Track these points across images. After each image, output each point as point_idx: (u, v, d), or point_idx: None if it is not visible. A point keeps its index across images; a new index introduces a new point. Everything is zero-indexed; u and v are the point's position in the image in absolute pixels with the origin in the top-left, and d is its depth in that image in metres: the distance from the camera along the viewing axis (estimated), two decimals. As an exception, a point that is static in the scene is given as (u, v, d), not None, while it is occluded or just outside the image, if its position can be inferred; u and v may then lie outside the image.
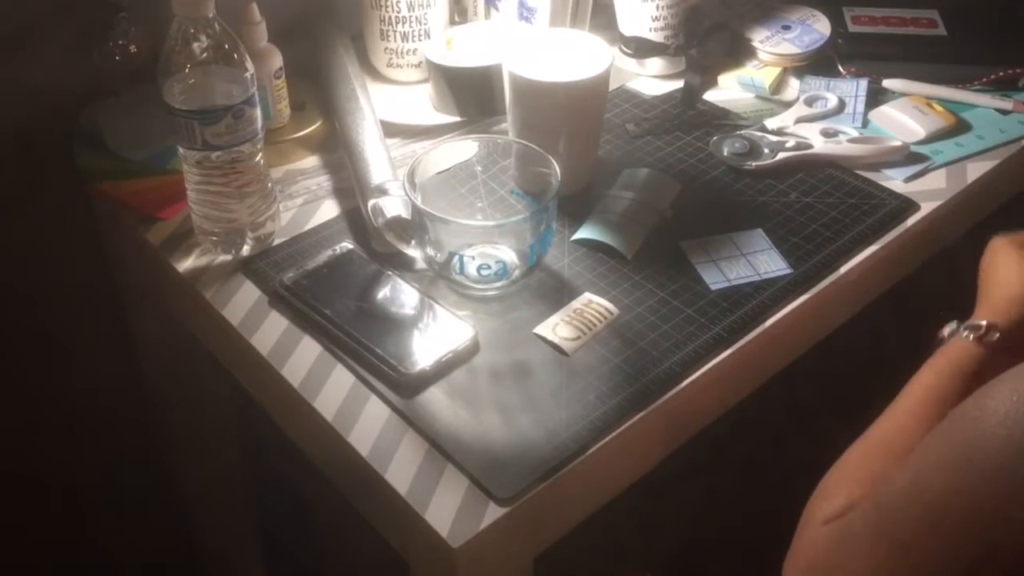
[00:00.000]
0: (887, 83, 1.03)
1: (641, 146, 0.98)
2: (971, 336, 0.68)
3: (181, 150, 0.79)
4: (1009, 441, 0.48)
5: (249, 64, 0.77)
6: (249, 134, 0.78)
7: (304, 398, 0.72)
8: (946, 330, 0.71)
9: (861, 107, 1.00)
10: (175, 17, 0.75)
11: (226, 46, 0.76)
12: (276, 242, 0.86)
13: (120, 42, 0.92)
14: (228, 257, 0.84)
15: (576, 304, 0.79)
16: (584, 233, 0.86)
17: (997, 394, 0.50)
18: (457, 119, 0.99)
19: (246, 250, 0.84)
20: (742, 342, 0.77)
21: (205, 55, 0.76)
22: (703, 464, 1.03)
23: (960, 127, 0.98)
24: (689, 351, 0.76)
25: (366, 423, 0.70)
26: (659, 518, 1.12)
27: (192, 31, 0.75)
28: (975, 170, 0.94)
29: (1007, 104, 1.00)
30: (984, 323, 0.68)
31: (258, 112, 0.79)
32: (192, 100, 0.76)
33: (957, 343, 0.69)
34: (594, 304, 0.79)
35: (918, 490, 0.52)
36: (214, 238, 0.83)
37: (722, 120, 1.01)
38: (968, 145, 0.96)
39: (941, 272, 0.96)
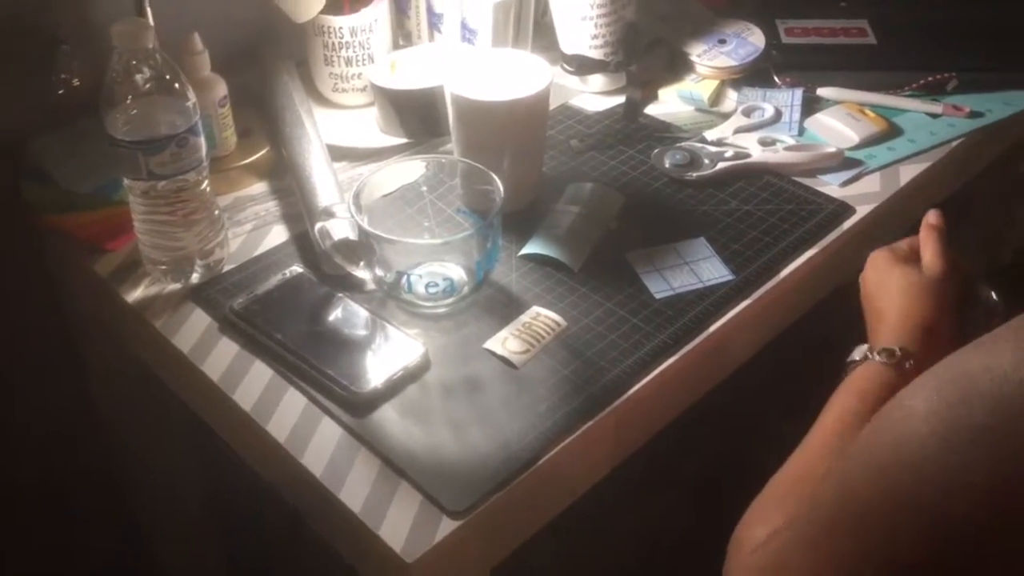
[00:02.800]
0: (821, 91, 1.06)
1: (585, 161, 0.99)
2: (885, 361, 0.68)
3: (126, 181, 0.80)
4: (934, 435, 0.47)
5: (191, 93, 0.78)
6: (194, 162, 0.79)
7: (256, 422, 0.73)
8: (856, 354, 0.71)
9: (797, 116, 1.03)
10: (115, 49, 0.76)
11: (167, 76, 0.77)
12: (226, 269, 0.86)
13: (63, 75, 0.92)
14: (177, 286, 0.84)
15: (525, 318, 0.81)
16: (531, 248, 0.87)
17: (918, 394, 0.49)
18: (403, 141, 1.00)
19: (195, 278, 0.84)
20: (686, 348, 0.78)
21: (147, 86, 0.77)
22: (658, 473, 1.05)
23: (892, 132, 1.01)
24: (635, 359, 0.77)
25: (319, 444, 0.71)
26: (615, 527, 1.13)
27: (133, 63, 0.76)
28: (908, 172, 0.97)
29: (937, 108, 1.04)
30: (898, 349, 0.68)
31: (202, 140, 0.80)
32: (135, 131, 0.77)
33: (871, 367, 0.68)
34: (542, 317, 0.81)
35: (845, 498, 0.50)
36: (163, 267, 0.84)
37: (663, 133, 1.03)
38: (900, 149, 0.99)
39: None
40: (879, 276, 0.76)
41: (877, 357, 0.68)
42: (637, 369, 0.77)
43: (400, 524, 0.65)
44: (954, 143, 1.01)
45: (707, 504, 1.20)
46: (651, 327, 0.80)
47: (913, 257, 0.77)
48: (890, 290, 0.73)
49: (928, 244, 0.77)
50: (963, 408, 0.46)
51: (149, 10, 0.88)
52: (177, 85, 0.77)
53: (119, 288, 0.85)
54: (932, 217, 0.79)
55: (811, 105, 1.05)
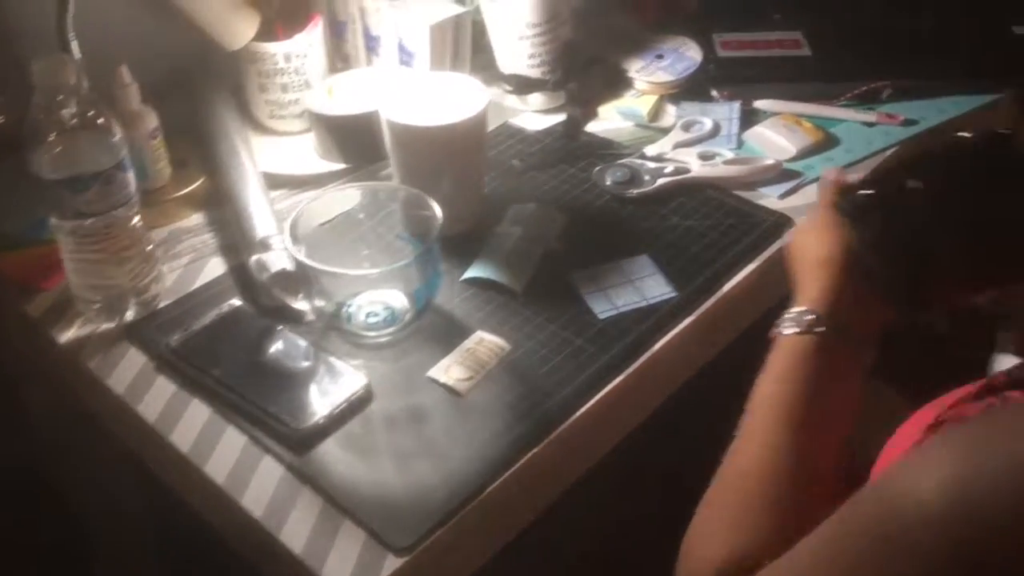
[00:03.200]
0: (758, 104, 1.07)
1: (527, 181, 0.99)
2: (798, 330, 0.67)
3: (53, 220, 0.78)
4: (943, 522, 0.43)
5: (117, 128, 0.76)
6: (122, 199, 0.77)
7: (194, 463, 0.71)
8: (774, 330, 0.70)
9: (735, 129, 1.03)
10: (37, 87, 0.74)
11: (91, 112, 0.75)
12: (162, 304, 0.84)
13: (-13, 113, 0.90)
14: (111, 324, 0.82)
15: (468, 344, 0.80)
16: (473, 272, 0.86)
17: (923, 480, 0.45)
18: (343, 166, 0.99)
19: (130, 315, 0.83)
20: (631, 368, 0.78)
21: (73, 122, 0.75)
22: (611, 494, 1.04)
23: (829, 142, 1.02)
24: (581, 381, 0.77)
25: (259, 484, 0.69)
26: (567, 551, 1.12)
27: (57, 99, 0.74)
28: (846, 183, 0.98)
29: (871, 117, 1.05)
30: (805, 311, 0.67)
31: (131, 176, 0.78)
32: (60, 169, 0.75)
33: (787, 340, 0.67)
34: (486, 342, 0.80)
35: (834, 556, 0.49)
36: (96, 306, 0.82)
37: (604, 150, 1.03)
38: (837, 159, 1.00)
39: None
40: (793, 244, 0.76)
41: (789, 328, 0.67)
42: (582, 391, 0.76)
43: (343, 564, 0.64)
44: (889, 151, 1.02)
45: (667, 513, 1.19)
46: (595, 348, 0.80)
47: None
48: (797, 249, 0.74)
49: (819, 193, 0.78)
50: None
51: (75, 44, 0.86)
52: (102, 121, 0.76)
53: (52, 328, 0.83)
54: (826, 172, 0.79)
55: (749, 118, 1.05)
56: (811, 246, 0.72)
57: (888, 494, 0.47)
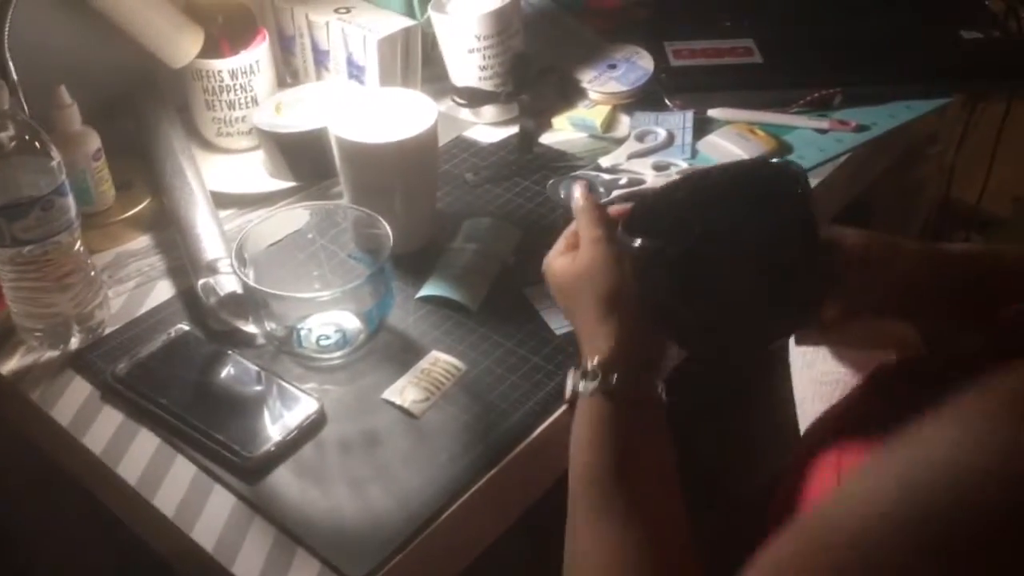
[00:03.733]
0: (711, 113, 1.06)
1: (481, 195, 0.98)
2: (598, 387, 0.60)
3: (-9, 248, 0.75)
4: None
5: (55, 152, 0.74)
6: (62, 224, 0.75)
7: (143, 496, 0.69)
8: (568, 385, 0.63)
9: (689, 138, 1.03)
10: (-31, 111, 0.71)
11: (28, 136, 0.73)
12: (107, 331, 0.82)
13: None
14: (55, 353, 0.80)
15: (423, 364, 0.79)
16: (428, 290, 0.85)
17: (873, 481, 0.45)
18: (293, 184, 0.97)
19: (74, 343, 0.80)
20: (588, 385, 0.77)
21: (10, 146, 0.73)
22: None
23: (782, 150, 1.02)
24: (539, 400, 0.76)
25: (210, 515, 0.68)
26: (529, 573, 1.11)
27: (-9, 123, 0.72)
28: (800, 190, 0.98)
29: (824, 124, 1.05)
30: (601, 363, 0.61)
31: (70, 201, 0.76)
32: (-4, 195, 0.72)
33: (590, 404, 0.61)
34: (441, 362, 0.79)
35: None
36: (38, 334, 0.79)
37: (558, 162, 1.02)
38: (791, 167, 1.00)
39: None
40: (558, 286, 0.69)
41: (581, 386, 0.61)
42: (540, 410, 0.75)
43: (298, 596, 0.62)
44: (842, 157, 1.02)
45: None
46: (552, 365, 0.79)
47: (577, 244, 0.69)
48: (571, 295, 0.67)
49: (581, 225, 0.69)
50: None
51: (12, 66, 0.84)
52: (40, 145, 0.73)
53: (-8, 359, 0.80)
54: (578, 198, 0.70)
55: (703, 127, 1.05)
56: (588, 283, 0.65)
57: (836, 519, 0.46)
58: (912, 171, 1.33)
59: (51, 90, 0.86)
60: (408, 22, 1.04)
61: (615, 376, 0.61)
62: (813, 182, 0.99)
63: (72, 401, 0.77)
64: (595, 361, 0.62)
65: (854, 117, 1.06)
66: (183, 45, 0.95)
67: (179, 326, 0.81)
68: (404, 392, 0.76)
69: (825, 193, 1.00)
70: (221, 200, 0.94)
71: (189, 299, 0.85)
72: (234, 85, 0.98)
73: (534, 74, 1.07)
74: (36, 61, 0.86)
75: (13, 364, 0.80)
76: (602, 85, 1.07)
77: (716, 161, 1.00)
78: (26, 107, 0.84)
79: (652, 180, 0.96)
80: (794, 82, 1.08)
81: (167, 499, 0.69)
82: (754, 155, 1.00)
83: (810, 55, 1.13)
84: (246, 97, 0.99)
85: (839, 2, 1.19)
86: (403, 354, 0.80)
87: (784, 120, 1.06)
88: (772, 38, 1.13)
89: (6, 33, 0.83)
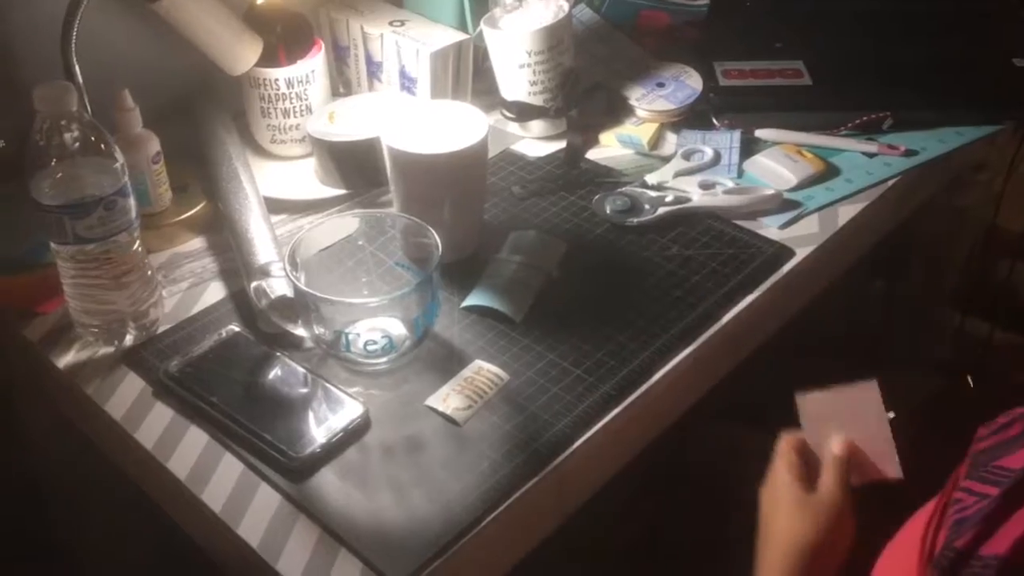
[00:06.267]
0: (759, 133, 1.07)
1: (527, 208, 0.99)
2: None
3: (53, 245, 0.78)
4: None
5: (119, 154, 0.77)
6: (123, 224, 0.77)
7: (191, 491, 0.71)
8: None
9: (736, 158, 1.03)
10: (39, 112, 0.74)
11: (93, 138, 0.75)
12: (161, 329, 0.84)
13: (-11, 136, 0.90)
14: (110, 349, 0.82)
15: (467, 372, 0.80)
16: (473, 300, 0.86)
17: None
18: (343, 191, 0.99)
19: (129, 340, 0.82)
20: (629, 400, 0.78)
21: (74, 147, 0.75)
22: (613, 521, 1.04)
23: (830, 172, 1.02)
24: (580, 412, 0.77)
25: (256, 512, 0.69)
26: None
27: (60, 124, 0.74)
28: (846, 213, 0.98)
29: (872, 147, 1.05)
30: None
31: (131, 202, 0.78)
32: (61, 194, 0.75)
33: None
34: (484, 371, 0.80)
35: None
36: (94, 330, 0.82)
37: (604, 178, 1.03)
38: (838, 189, 1.00)
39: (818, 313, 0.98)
40: (773, 494, 0.74)
41: None
42: (581, 422, 0.76)
43: (339, 595, 0.63)
44: (890, 182, 1.02)
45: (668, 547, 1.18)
46: (594, 378, 0.79)
47: (811, 476, 0.74)
48: (780, 508, 0.72)
49: (829, 470, 0.73)
50: None
51: (78, 69, 0.87)
52: (104, 146, 0.76)
53: (49, 353, 0.83)
54: (836, 447, 0.73)
55: (749, 147, 1.05)
56: (787, 524, 0.71)
57: None
58: (959, 197, 1.33)
59: (114, 93, 0.89)
60: (460, 36, 1.06)
61: None
62: (859, 206, 0.99)
63: (125, 396, 0.79)
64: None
65: (903, 141, 1.06)
66: (242, 53, 0.97)
67: (230, 327, 0.83)
68: (447, 399, 0.77)
69: (872, 218, 1.00)
70: (272, 205, 0.96)
71: (240, 301, 0.87)
72: (290, 93, 1.00)
73: (583, 90, 1.08)
74: (100, 65, 0.89)
75: (69, 359, 0.82)
76: (650, 103, 1.08)
77: (762, 181, 1.01)
78: (90, 109, 0.87)
79: (697, 198, 0.97)
80: (843, 105, 1.08)
81: (215, 495, 0.71)
82: (801, 177, 1.00)
83: (860, 78, 1.13)
84: (301, 105, 1.01)
85: (890, 26, 1.19)
86: (447, 362, 0.81)
87: (832, 143, 1.06)
88: (822, 61, 1.13)
89: (74, 37, 0.86)
